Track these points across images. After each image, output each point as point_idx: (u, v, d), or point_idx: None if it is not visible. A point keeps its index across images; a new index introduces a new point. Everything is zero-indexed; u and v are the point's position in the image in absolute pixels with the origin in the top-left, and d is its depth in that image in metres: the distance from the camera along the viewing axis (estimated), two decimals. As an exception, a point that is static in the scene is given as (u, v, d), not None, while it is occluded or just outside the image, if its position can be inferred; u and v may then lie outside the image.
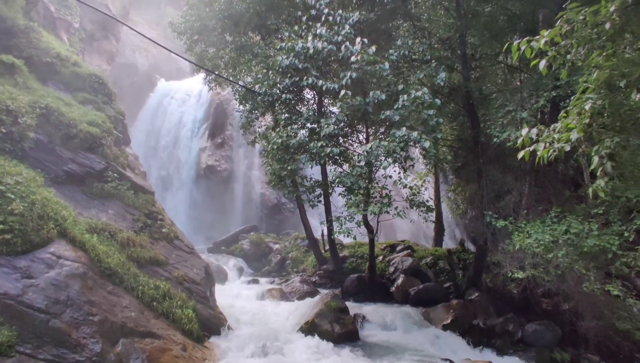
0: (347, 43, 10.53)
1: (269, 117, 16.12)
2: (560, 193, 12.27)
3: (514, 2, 12.14)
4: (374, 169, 11.53)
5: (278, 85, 11.73)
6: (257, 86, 12.07)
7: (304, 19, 11.57)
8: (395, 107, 10.43)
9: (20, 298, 6.80)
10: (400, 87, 10.68)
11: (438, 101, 10.69)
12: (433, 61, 11.43)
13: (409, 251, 17.13)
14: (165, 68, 33.12)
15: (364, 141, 13.20)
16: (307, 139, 11.03)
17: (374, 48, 10.39)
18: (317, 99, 14.05)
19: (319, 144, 10.73)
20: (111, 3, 22.72)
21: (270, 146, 11.59)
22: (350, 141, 14.24)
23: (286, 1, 13.02)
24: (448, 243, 21.43)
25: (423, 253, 17.29)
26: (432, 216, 13.59)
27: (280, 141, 11.16)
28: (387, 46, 11.92)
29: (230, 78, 15.27)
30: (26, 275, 7.12)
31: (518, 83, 13.43)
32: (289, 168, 11.40)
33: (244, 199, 26.92)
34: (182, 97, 29.21)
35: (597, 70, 5.19)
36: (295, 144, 11.07)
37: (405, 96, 10.20)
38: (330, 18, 11.11)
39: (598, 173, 5.30)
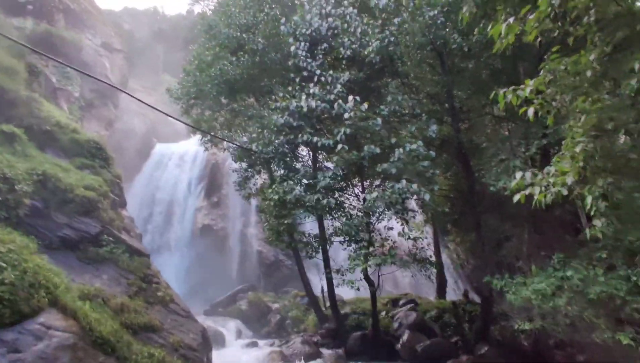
0: (340, 101, 10.92)
1: (265, 175, 16.29)
2: (561, 238, 12.17)
3: (495, 58, 12.80)
4: (374, 220, 11.51)
5: (274, 143, 11.98)
6: (253, 145, 12.32)
7: (297, 80, 12.07)
8: (391, 160, 10.60)
9: (6, 375, 6.41)
10: (393, 140, 10.94)
11: (433, 153, 10.90)
12: (423, 115, 11.80)
13: (413, 305, 16.61)
14: (162, 131, 33.94)
15: (360, 194, 13.28)
16: (303, 193, 11.08)
17: (366, 105, 10.77)
18: (312, 155, 14.31)
19: (315, 197, 10.76)
20: (110, 72, 23.73)
21: (267, 202, 11.60)
22: (347, 195, 14.32)
23: (279, 65, 13.65)
24: (451, 294, 20.85)
25: (427, 307, 16.75)
26: (432, 270, 13.37)
27: (277, 197, 11.20)
28: (378, 103, 12.35)
29: (226, 138, 15.60)
30: (13, 349, 6.76)
31: (506, 132, 13.80)
32: (286, 222, 11.34)
33: (241, 258, 26.46)
34: (179, 159, 29.68)
35: (584, 115, 5.36)
36: (292, 199, 11.09)
37: (401, 149, 10.41)
38: (322, 78, 11.61)
39: (593, 214, 5.31)
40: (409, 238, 10.31)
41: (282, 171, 11.91)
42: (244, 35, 13.87)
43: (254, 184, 16.01)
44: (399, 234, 10.23)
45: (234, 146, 14.65)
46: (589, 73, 5.69)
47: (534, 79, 5.82)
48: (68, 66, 12.27)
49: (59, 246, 9.88)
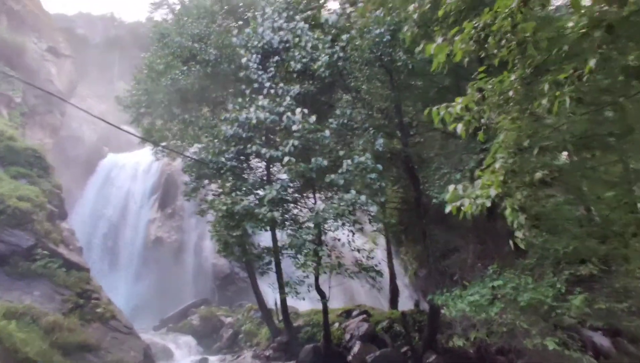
0: (289, 113, 11.01)
1: (215, 186, 16.06)
2: (500, 248, 12.76)
3: (440, 77, 13.39)
4: (324, 231, 11.57)
5: (224, 153, 11.86)
6: (202, 155, 12.14)
7: (247, 91, 12.07)
8: (339, 171, 10.77)
9: None
10: (342, 153, 11.13)
11: (380, 166, 11.17)
12: (371, 129, 12.11)
13: (365, 315, 16.75)
14: (114, 140, 32.69)
15: (313, 206, 13.35)
16: (252, 205, 11.01)
17: (314, 118, 10.92)
18: (265, 166, 14.26)
19: (263, 209, 10.72)
20: (57, 78, 22.70)
21: (215, 213, 11.43)
22: (300, 207, 14.34)
23: (232, 76, 13.61)
24: (406, 304, 21.23)
25: (379, 317, 16.94)
26: (381, 280, 13.60)
27: (225, 208, 11.05)
28: (329, 116, 12.56)
29: (174, 149, 15.28)
30: None
31: (454, 148, 14.41)
32: (234, 234, 11.20)
33: (195, 271, 25.73)
34: (131, 169, 28.67)
35: (504, 132, 5.71)
36: (240, 211, 10.98)
37: (349, 161, 10.60)
38: (272, 91, 11.68)
39: (515, 226, 5.64)
40: (353, 249, 10.44)
41: (230, 183, 11.78)
42: (195, 45, 13.75)
43: (206, 195, 15.73)
44: (343, 244, 10.34)
45: (183, 156, 14.36)
46: (511, 93, 6.09)
47: (463, 98, 6.15)
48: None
49: (-14, 261, 9.26)
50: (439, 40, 5.91)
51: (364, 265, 11.28)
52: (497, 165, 5.44)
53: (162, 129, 17.01)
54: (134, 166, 28.69)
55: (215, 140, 11.70)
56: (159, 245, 26.36)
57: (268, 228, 13.25)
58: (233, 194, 11.08)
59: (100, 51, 48.56)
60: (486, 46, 5.79)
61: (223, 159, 11.65)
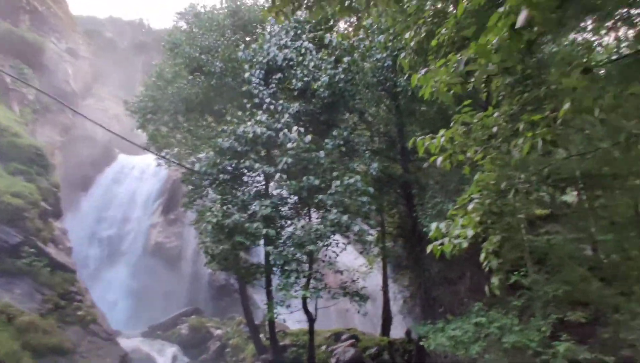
0: (285, 130, 10.99)
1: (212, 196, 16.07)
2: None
3: (445, 103, 13.26)
4: (308, 251, 11.38)
5: (219, 166, 11.87)
6: (196, 166, 12.17)
7: (248, 105, 12.13)
8: (329, 192, 10.65)
9: None
10: (335, 174, 11.03)
11: (371, 189, 11.02)
12: (367, 152, 12.01)
13: (354, 340, 16.38)
14: (126, 142, 33.17)
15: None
16: (243, 219, 10.93)
17: (309, 137, 10.88)
18: (265, 181, 14.23)
19: (255, 225, 10.63)
20: (73, 79, 23.28)
21: (204, 225, 11.39)
22: (295, 224, 14.21)
23: (235, 89, 13.72)
24: (400, 331, 20.73)
25: (368, 343, 16.55)
26: (374, 304, 13.32)
27: (215, 220, 10.99)
28: (328, 136, 12.50)
29: (176, 158, 15.39)
30: None
31: (451, 177, 14.18)
32: (221, 247, 11.13)
33: (191, 279, 25.64)
34: (139, 172, 28.99)
35: (481, 172, 5.53)
36: (230, 224, 10.91)
37: (338, 182, 10.49)
38: (272, 107, 11.70)
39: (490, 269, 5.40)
40: (336, 270, 10.24)
41: (222, 195, 11.75)
42: (203, 56, 13.94)
43: (203, 206, 15.75)
44: (327, 266, 10.15)
45: (181, 166, 14.43)
46: (494, 129, 5.92)
47: (447, 130, 6.00)
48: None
49: (-30, 254, 9.33)
50: (422, 71, 5.83)
51: (347, 289, 11.03)
52: (470, 206, 5.25)
53: (167, 136, 17.18)
54: (143, 169, 28.99)
55: (212, 152, 11.72)
56: (159, 250, 26.42)
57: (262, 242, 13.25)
58: (224, 207, 11.02)
59: (126, 55, 49.89)
60: (471, 80, 5.69)
61: (216, 171, 11.64)
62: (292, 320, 14.44)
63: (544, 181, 5.83)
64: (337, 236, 13.43)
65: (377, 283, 19.11)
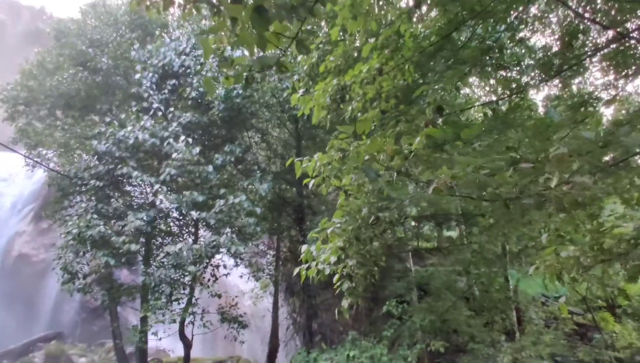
0: (171, 140, 10.25)
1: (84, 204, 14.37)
2: (373, 312, 12.65)
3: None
4: (193, 272, 10.58)
5: (91, 170, 10.62)
6: (66, 168, 10.77)
7: (134, 109, 11.16)
8: (213, 210, 10.06)
9: None
10: (222, 191, 10.49)
11: (259, 210, 10.65)
12: (259, 172, 11.72)
13: (235, 370, 15.48)
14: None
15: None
16: (109, 232, 9.78)
17: (198, 149, 10.27)
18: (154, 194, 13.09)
19: (121, 239, 9.55)
20: None
21: (64, 236, 9.99)
22: (180, 241, 13.21)
23: (123, 90, 12.61)
24: (288, 360, 20.18)
25: (250, 373, 15.76)
26: (259, 330, 12.72)
27: (76, 231, 9.68)
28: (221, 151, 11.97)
29: (30, 156, 13.59)
30: None
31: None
32: (82, 262, 9.82)
33: (58, 299, 22.39)
34: (5, 172, 25.22)
35: (344, 196, 5.52)
36: (94, 237, 9.68)
37: (222, 201, 9.97)
38: (160, 113, 10.89)
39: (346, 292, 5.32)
40: (214, 294, 9.59)
41: (91, 203, 10.48)
42: (90, 50, 12.66)
43: (72, 215, 13.95)
44: (200, 290, 9.46)
45: (45, 167, 12.73)
46: (367, 158, 5.99)
47: (322, 153, 5.93)
48: None
49: None
50: (300, 92, 5.81)
51: (226, 314, 10.38)
52: (329, 231, 5.18)
53: (41, 133, 15.12)
54: (9, 169, 25.21)
55: (84, 155, 10.46)
56: (22, 263, 22.88)
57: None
58: (88, 216, 9.77)
59: (18, 40, 44.61)
60: (341, 106, 5.77)
61: (87, 176, 10.38)
62: (180, 347, 13.22)
63: (406, 214, 6.02)
64: (225, 258, 12.85)
65: (269, 308, 18.56)
